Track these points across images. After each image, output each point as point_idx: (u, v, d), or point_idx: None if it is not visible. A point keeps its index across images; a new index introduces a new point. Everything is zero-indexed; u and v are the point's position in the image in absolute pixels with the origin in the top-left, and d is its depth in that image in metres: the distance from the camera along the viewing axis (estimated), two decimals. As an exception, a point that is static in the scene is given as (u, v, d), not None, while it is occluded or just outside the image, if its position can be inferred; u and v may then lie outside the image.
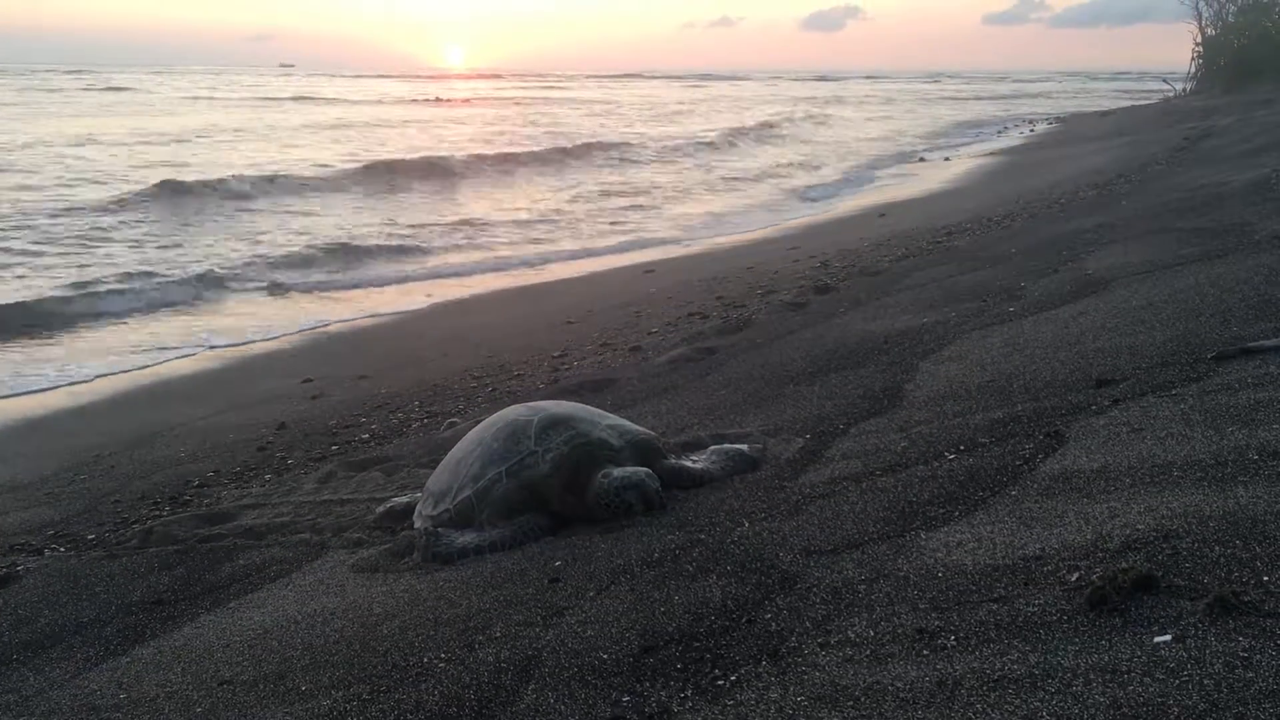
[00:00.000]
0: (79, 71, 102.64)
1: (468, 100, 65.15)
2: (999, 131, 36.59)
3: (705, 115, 48.86)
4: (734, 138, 34.33)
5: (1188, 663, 2.16)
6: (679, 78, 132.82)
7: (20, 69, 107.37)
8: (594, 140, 31.72)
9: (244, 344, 9.93)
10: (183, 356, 9.47)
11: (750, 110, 52.11)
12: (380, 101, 61.59)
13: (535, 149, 29.01)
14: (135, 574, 4.37)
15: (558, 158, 27.50)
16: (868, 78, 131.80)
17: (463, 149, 28.62)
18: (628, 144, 31.34)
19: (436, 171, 23.99)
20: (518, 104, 59.18)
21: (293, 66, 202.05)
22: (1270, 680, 2.05)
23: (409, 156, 25.99)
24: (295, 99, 59.31)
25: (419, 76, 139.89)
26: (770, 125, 39.69)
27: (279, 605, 3.76)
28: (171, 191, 18.79)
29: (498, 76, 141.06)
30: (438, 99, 65.56)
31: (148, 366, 9.14)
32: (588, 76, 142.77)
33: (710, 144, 32.13)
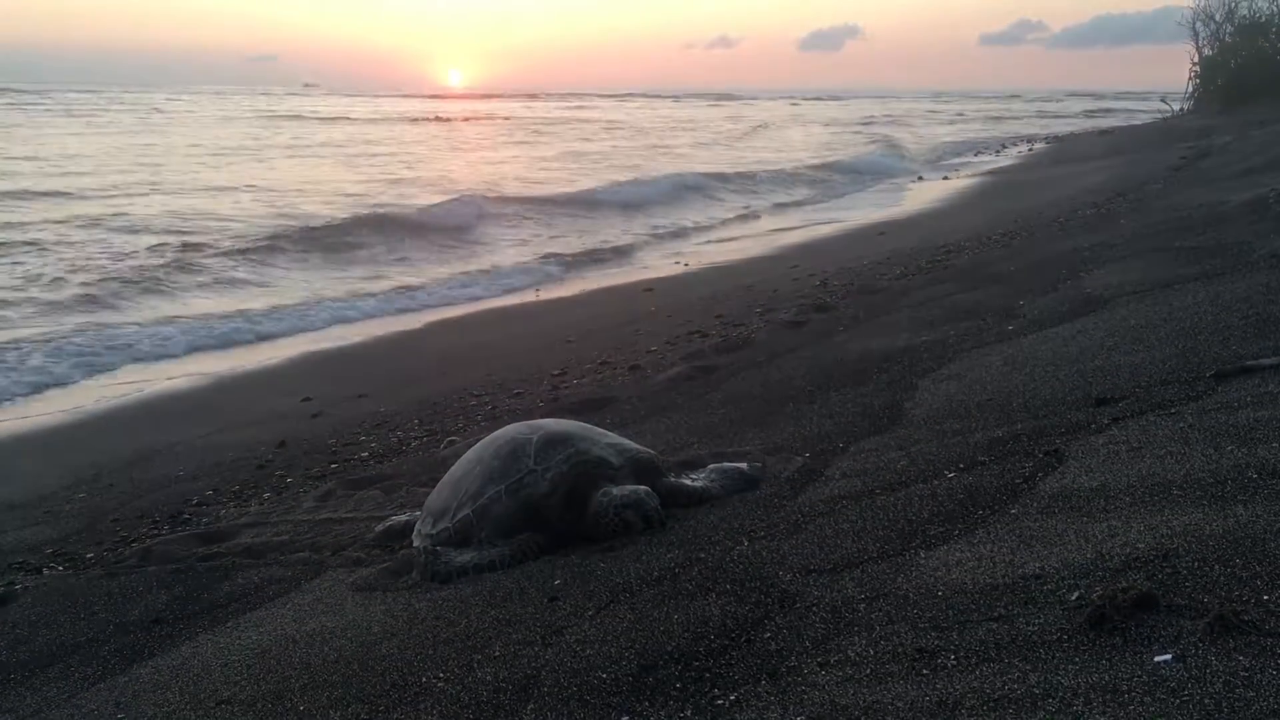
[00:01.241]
0: (93, 90, 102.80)
1: (464, 118, 65.55)
2: (998, 150, 36.71)
3: (776, 139, 45.99)
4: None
5: (1188, 682, 2.15)
6: (688, 97, 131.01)
7: (27, 87, 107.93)
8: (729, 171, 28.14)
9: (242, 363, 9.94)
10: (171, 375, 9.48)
11: (807, 130, 51.20)
12: (441, 119, 62.67)
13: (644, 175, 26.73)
14: (134, 593, 4.36)
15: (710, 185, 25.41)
16: (877, 97, 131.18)
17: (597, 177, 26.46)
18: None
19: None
20: (574, 124, 58.28)
21: (316, 86, 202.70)
22: (1271, 700, 2.04)
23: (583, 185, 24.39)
24: (370, 120, 60.31)
25: (431, 96, 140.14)
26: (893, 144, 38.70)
27: (277, 624, 3.75)
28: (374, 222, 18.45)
29: (509, 96, 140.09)
30: (433, 117, 65.93)
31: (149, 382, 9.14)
32: (600, 95, 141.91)
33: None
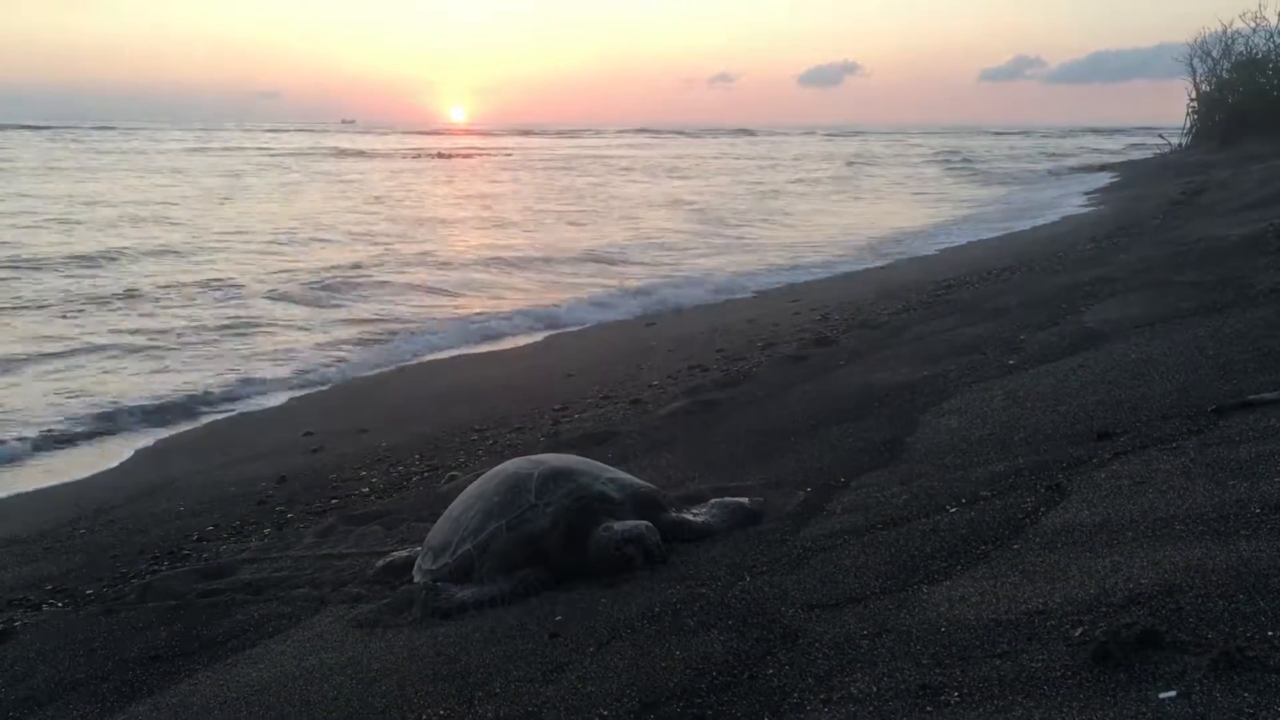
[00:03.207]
0: (108, 128, 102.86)
1: (505, 158, 66.06)
2: (997, 182, 36.93)
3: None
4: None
5: (1193, 719, 2.14)
6: (704, 133, 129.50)
7: (45, 124, 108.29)
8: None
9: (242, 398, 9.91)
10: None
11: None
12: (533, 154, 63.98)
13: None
14: (133, 630, 4.34)
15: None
16: (889, 134, 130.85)
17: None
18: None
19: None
20: (693, 160, 57.71)
21: (354, 122, 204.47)
22: (1277, 737, 2.03)
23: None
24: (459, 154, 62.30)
25: (450, 131, 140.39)
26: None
27: (277, 661, 3.73)
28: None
29: (530, 133, 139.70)
30: (548, 155, 66.29)
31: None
32: (616, 131, 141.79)
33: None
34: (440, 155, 65.76)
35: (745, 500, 4.42)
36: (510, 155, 66.69)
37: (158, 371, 10.77)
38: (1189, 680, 2.27)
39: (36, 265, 17.59)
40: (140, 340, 12.17)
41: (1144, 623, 2.49)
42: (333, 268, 17.61)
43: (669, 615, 3.34)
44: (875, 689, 2.56)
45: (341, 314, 14.18)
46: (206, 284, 16.08)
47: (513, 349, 11.97)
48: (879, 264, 17.18)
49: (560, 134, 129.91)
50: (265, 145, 73.68)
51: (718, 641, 3.04)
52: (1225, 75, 39.81)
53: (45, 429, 8.60)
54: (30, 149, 59.19)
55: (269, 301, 14.90)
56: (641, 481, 4.39)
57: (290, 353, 11.81)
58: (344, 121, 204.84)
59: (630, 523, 3.95)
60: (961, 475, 4.29)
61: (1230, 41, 39.48)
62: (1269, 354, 5.28)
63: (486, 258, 19.24)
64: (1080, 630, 2.61)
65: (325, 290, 15.67)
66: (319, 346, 12.17)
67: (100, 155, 55.76)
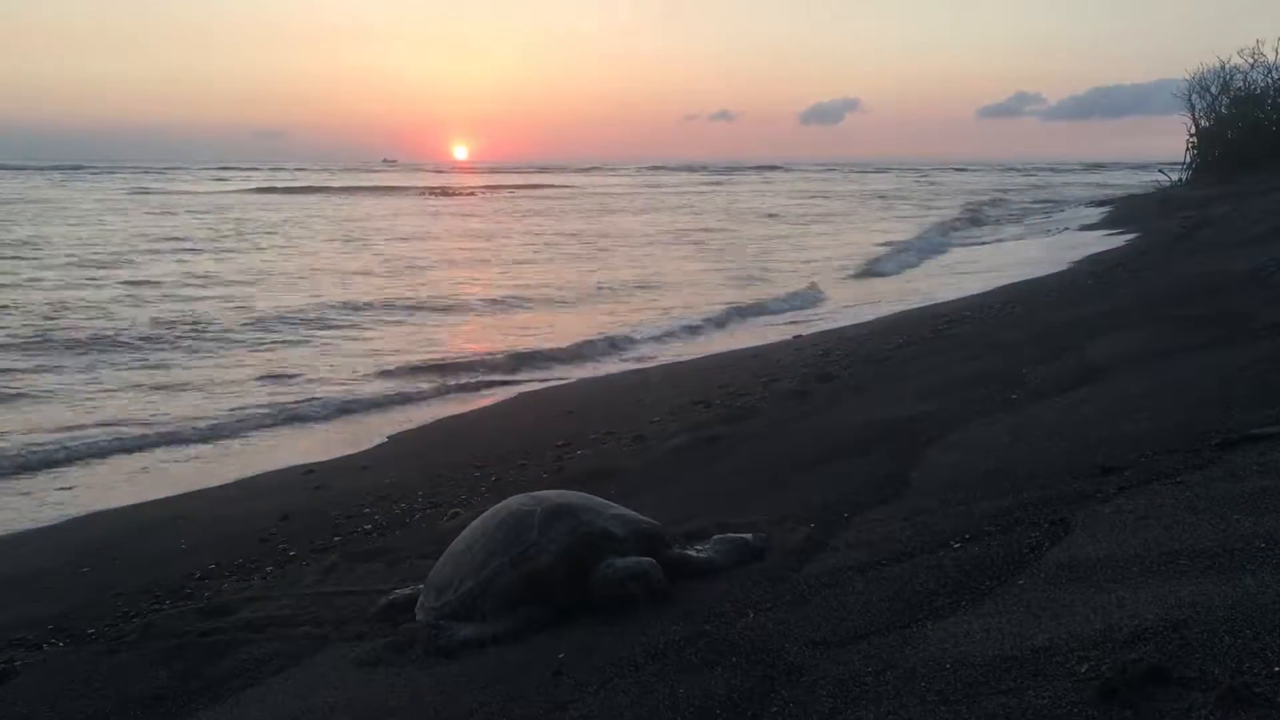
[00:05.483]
0: (112, 171, 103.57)
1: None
2: (1000, 220, 37.05)
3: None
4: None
5: (1201, 756, 2.12)
6: (724, 171, 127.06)
7: (51, 165, 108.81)
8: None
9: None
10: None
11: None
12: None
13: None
14: (134, 669, 4.31)
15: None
16: (913, 169, 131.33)
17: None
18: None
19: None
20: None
21: (395, 161, 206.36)
22: (1285, 774, 2.01)
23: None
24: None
25: (476, 169, 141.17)
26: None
27: (279, 701, 3.71)
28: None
29: (546, 170, 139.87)
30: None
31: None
32: (635, 169, 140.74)
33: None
34: (513, 191, 67.14)
35: (749, 536, 4.40)
36: (573, 193, 66.64)
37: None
38: (1196, 717, 2.26)
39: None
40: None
41: (1150, 659, 2.48)
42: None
43: (672, 652, 3.33)
44: (880, 727, 2.54)
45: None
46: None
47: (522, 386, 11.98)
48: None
49: (578, 170, 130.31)
50: (323, 182, 74.36)
51: (721, 679, 3.03)
52: (1224, 111, 40.06)
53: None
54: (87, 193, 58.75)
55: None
56: (644, 518, 4.38)
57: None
58: (385, 161, 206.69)
59: (633, 559, 3.94)
60: (965, 510, 4.28)
61: (1229, 77, 39.79)
62: (1272, 388, 5.28)
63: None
64: (1086, 667, 2.59)
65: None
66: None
67: (140, 197, 55.84)
